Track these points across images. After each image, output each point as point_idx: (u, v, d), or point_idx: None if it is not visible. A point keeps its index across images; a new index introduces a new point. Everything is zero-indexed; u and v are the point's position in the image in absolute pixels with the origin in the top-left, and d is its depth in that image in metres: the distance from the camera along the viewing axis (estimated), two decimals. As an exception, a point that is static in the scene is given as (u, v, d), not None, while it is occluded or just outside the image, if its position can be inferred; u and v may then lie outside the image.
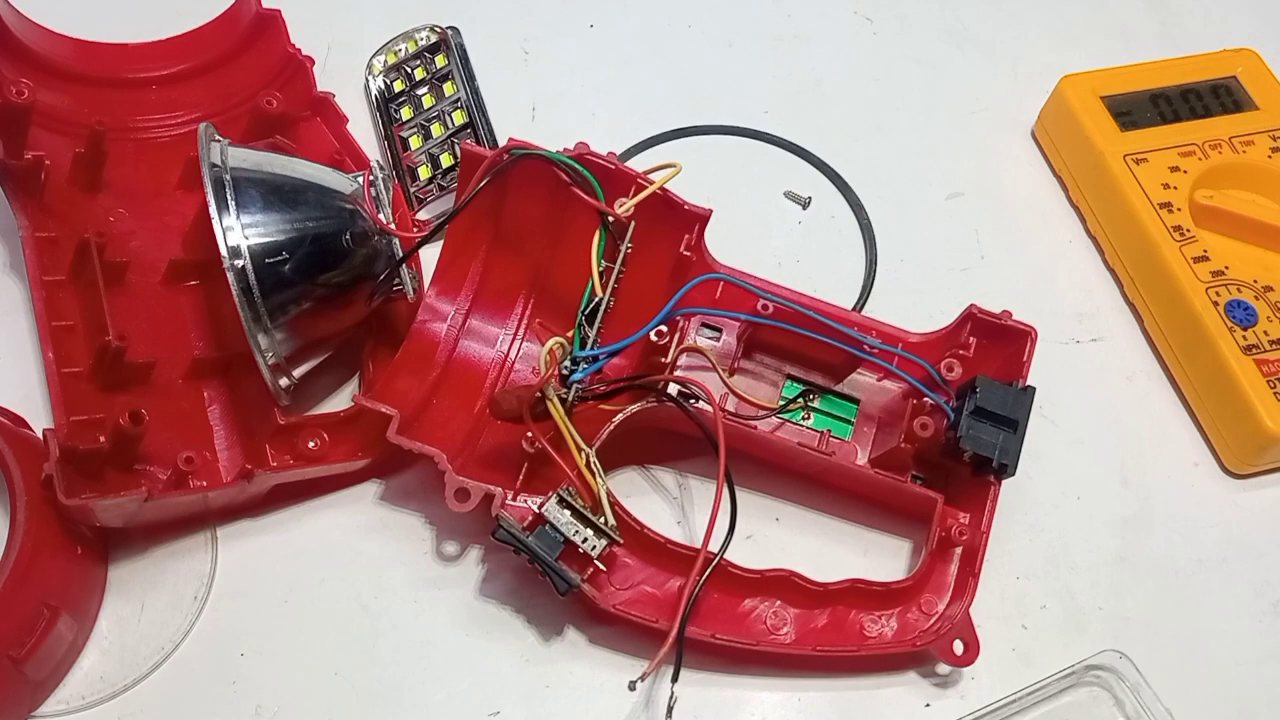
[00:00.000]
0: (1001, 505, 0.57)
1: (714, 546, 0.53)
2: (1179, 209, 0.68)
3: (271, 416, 0.56)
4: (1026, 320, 0.58)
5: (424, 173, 0.68)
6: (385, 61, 0.72)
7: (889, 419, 0.60)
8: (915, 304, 0.67)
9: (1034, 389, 0.56)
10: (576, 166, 0.57)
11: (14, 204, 0.59)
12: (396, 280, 0.58)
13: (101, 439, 0.52)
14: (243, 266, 0.53)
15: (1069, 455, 0.64)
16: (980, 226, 0.72)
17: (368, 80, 0.72)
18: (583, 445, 0.54)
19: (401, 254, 0.58)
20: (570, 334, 0.56)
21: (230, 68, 0.68)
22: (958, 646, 0.55)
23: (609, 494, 0.53)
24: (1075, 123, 0.72)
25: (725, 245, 0.61)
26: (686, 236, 0.58)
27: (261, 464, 0.55)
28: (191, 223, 0.61)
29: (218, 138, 0.56)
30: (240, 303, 0.52)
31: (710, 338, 0.61)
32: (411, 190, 0.68)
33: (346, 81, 0.71)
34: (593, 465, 0.53)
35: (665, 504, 0.61)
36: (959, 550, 0.57)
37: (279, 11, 0.68)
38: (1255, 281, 0.66)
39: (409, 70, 0.72)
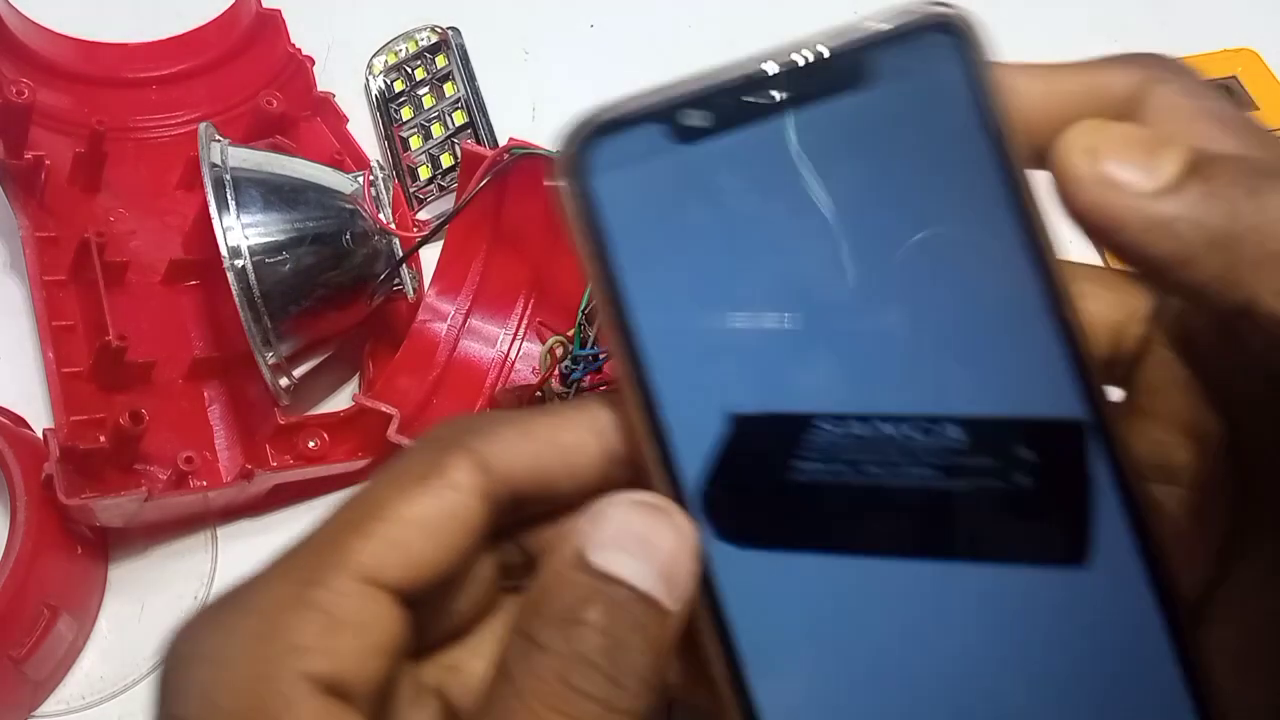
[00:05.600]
0: (1002, 505, 0.56)
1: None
2: (1179, 209, 0.68)
3: (271, 416, 0.56)
4: (1027, 320, 0.58)
5: (424, 173, 0.68)
6: (385, 62, 0.72)
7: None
8: (915, 304, 0.67)
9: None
10: (577, 166, 0.56)
11: (14, 204, 0.59)
12: (396, 280, 0.58)
13: (101, 439, 0.52)
14: (243, 266, 0.52)
15: (1069, 455, 0.64)
16: (980, 226, 0.72)
17: (368, 80, 0.72)
18: (583, 445, 0.54)
19: (401, 254, 0.58)
20: (571, 333, 0.56)
21: (230, 68, 0.68)
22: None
23: (609, 494, 0.53)
24: (1075, 123, 0.72)
25: (725, 245, 0.61)
26: (687, 236, 0.58)
27: (261, 464, 0.55)
28: (191, 223, 0.61)
29: (218, 138, 0.56)
30: (240, 303, 0.52)
31: (710, 337, 0.61)
32: (411, 190, 0.68)
33: (346, 81, 0.71)
34: (593, 465, 0.53)
35: (665, 504, 0.60)
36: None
37: (279, 11, 0.68)
38: (1255, 281, 0.66)
39: (409, 70, 0.71)
